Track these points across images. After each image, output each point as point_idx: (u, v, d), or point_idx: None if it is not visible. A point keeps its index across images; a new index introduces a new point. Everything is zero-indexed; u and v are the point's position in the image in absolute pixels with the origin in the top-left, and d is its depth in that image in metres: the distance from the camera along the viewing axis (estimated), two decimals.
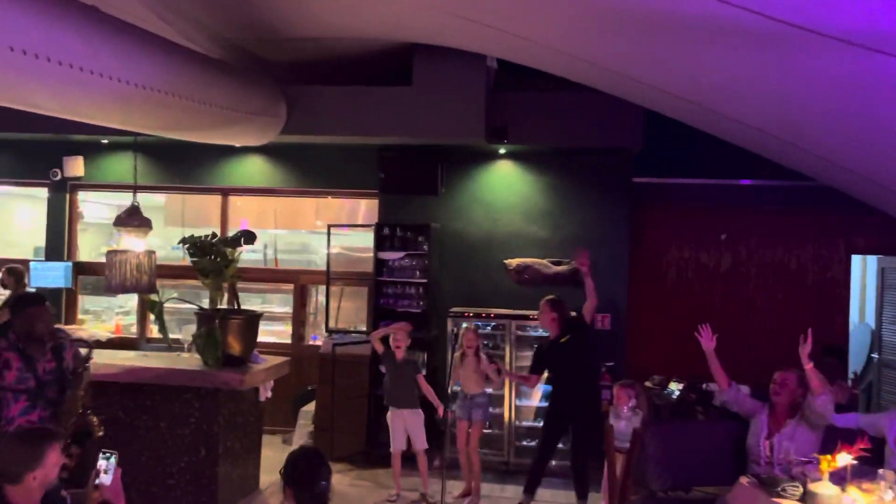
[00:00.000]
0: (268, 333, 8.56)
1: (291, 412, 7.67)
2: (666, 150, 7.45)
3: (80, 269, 8.35)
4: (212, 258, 5.32)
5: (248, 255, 9.18)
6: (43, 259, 8.33)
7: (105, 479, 2.92)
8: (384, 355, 6.27)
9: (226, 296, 5.81)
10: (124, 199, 6.53)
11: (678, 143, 7.34)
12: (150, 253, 5.39)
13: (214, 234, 5.49)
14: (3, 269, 7.53)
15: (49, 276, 8.00)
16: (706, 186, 7.70)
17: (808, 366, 4.28)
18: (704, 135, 6.48)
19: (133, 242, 5.42)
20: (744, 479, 4.08)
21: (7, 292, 7.52)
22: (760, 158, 6.83)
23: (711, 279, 7.76)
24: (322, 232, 7.93)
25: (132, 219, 5.34)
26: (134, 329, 8.52)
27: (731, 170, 7.53)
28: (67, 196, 8.38)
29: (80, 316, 8.57)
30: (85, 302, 9.00)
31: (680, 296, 7.76)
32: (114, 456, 2.95)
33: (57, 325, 4.69)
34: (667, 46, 4.04)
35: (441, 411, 6.00)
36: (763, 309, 7.66)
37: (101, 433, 4.32)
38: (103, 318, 9.25)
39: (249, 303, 9.35)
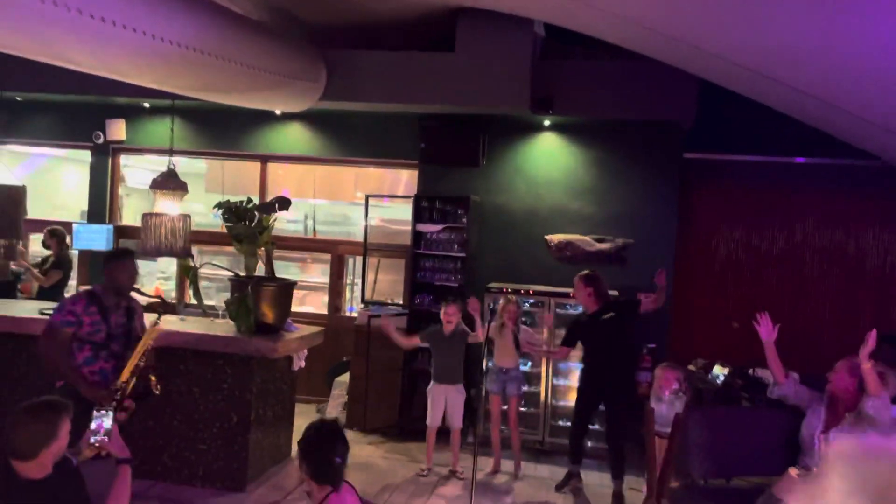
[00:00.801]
0: (305, 304, 8.55)
1: (326, 382, 7.64)
2: (719, 124, 7.12)
3: (122, 232, 8.39)
4: (246, 224, 5.23)
5: (289, 226, 9.19)
6: (85, 222, 8.39)
7: (105, 440, 2.85)
8: (429, 333, 6.10)
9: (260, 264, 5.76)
10: (164, 166, 6.55)
11: (732, 117, 7.01)
12: (186, 217, 5.33)
13: (250, 200, 5.39)
14: (45, 231, 7.65)
15: (91, 238, 8.05)
16: (760, 164, 7.35)
17: (867, 366, 4.02)
18: (760, 109, 6.13)
19: (168, 206, 5.37)
20: (793, 471, 3.85)
21: (49, 253, 7.68)
22: (819, 135, 6.47)
23: (763, 262, 7.43)
24: (361, 203, 7.82)
25: (168, 182, 5.28)
26: (174, 294, 8.56)
27: (787, 147, 7.17)
28: (109, 159, 8.41)
29: None
30: None
31: (728, 278, 7.45)
32: (109, 413, 2.88)
33: None
34: (731, 7, 3.75)
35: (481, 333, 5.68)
36: (817, 294, 7.32)
37: (157, 392, 4.39)
38: (143, 282, 9.33)
39: (288, 273, 9.36)
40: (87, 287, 4.49)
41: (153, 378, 4.36)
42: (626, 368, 5.95)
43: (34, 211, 9.01)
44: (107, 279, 4.35)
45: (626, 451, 5.79)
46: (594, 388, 5.89)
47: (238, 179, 8.65)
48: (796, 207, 7.37)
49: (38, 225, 7.99)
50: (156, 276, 9.17)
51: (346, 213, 9.10)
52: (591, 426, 6.17)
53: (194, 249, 8.81)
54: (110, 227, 8.20)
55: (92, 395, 4.05)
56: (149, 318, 4.47)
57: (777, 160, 7.30)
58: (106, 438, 2.91)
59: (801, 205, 7.36)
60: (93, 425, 2.94)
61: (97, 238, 8.08)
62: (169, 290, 8.77)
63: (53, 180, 9.80)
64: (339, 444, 2.75)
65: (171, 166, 5.47)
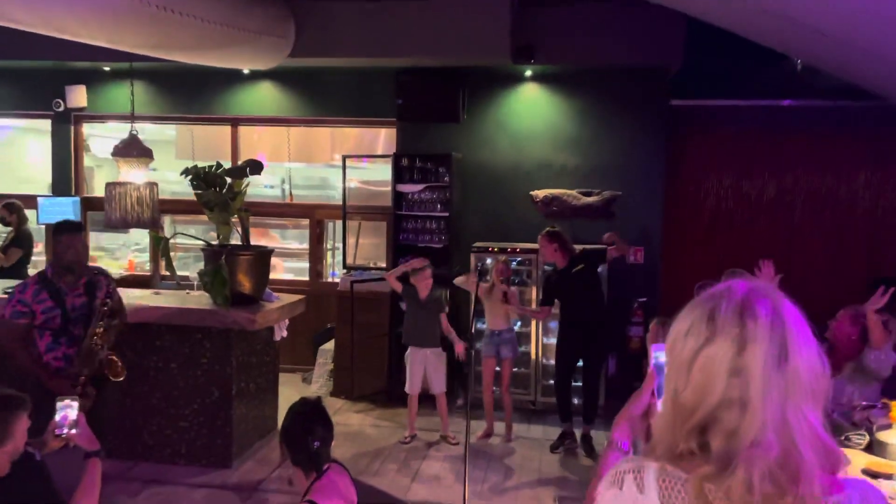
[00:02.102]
0: (287, 271, 8.29)
1: (311, 351, 7.44)
2: (705, 69, 6.86)
3: (90, 204, 8.05)
4: (216, 190, 4.94)
5: (266, 192, 8.88)
6: (50, 195, 8.03)
7: (73, 432, 2.62)
8: (405, 293, 5.94)
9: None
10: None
11: (719, 62, 6.75)
12: (152, 185, 5.03)
13: (219, 165, 5.08)
14: (1, 205, 7.19)
15: (57, 211, 7.68)
16: (749, 109, 7.13)
17: (874, 317, 3.85)
18: (747, 52, 5.87)
19: (134, 174, 5.06)
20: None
21: (9, 230, 7.25)
22: (809, 76, 6.24)
23: (754, 209, 7.26)
24: (339, 165, 7.51)
25: (130, 148, 4.97)
26: (148, 266, 8.27)
27: (775, 90, 6.95)
28: (72, 128, 8.02)
29: (91, 253, 8.31)
30: (100, 239, 8.76)
31: (719, 227, 7.28)
32: (74, 403, 2.64)
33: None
34: None
35: (461, 350, 5.68)
36: (809, 240, 7.18)
37: (122, 377, 4.15)
38: (117, 255, 9.02)
39: (267, 240, 9.08)
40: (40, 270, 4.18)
41: (117, 360, 4.12)
42: (601, 318, 5.89)
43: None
44: (53, 257, 4.05)
45: (600, 396, 5.97)
46: (572, 342, 5.87)
47: (209, 145, 8.30)
48: (786, 152, 7.18)
49: (1, 199, 7.62)
50: (130, 249, 8.85)
51: (324, 176, 8.79)
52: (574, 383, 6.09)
53: (168, 220, 8.51)
54: (77, 199, 7.86)
55: (53, 386, 3.84)
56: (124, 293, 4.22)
57: (766, 104, 7.08)
58: (73, 431, 2.68)
59: (792, 149, 7.17)
60: (57, 417, 2.70)
61: (63, 211, 7.72)
62: (143, 262, 8.47)
63: (18, 153, 9.36)
64: (320, 427, 2.55)
65: (134, 132, 5.14)
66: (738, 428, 1.09)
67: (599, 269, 6.04)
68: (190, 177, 4.95)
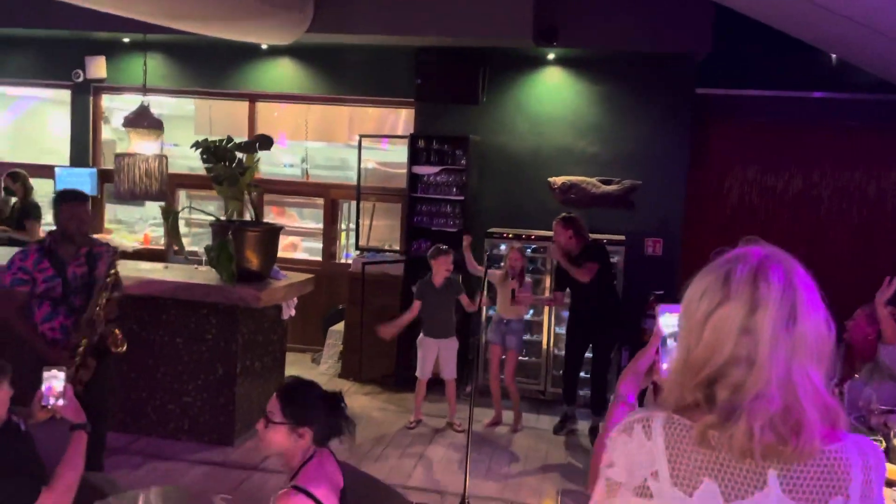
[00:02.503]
0: (303, 250, 8.24)
1: (321, 331, 7.38)
2: (733, 57, 6.66)
3: (107, 176, 8.02)
4: (226, 164, 4.87)
5: (286, 170, 8.81)
6: (68, 165, 8.03)
7: (59, 403, 2.56)
8: (420, 286, 5.79)
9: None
10: (154, 108, 6.12)
11: (747, 50, 6.55)
12: (162, 157, 4.99)
13: (230, 139, 5.01)
14: (5, 175, 7.09)
15: (74, 182, 7.65)
16: (777, 99, 6.90)
17: (884, 311, 3.71)
18: (777, 40, 5.67)
19: (144, 145, 5.01)
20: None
21: (14, 201, 7.13)
22: (840, 68, 6.02)
23: (778, 203, 7.04)
24: (357, 146, 7.41)
25: (141, 119, 4.92)
26: (163, 241, 8.25)
27: (805, 81, 6.72)
28: (91, 99, 8.00)
29: (107, 225, 8.33)
30: (117, 212, 8.76)
31: (741, 220, 7.08)
32: (59, 374, 2.58)
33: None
34: None
35: (474, 304, 5.55)
36: (835, 237, 6.96)
37: (123, 348, 4.09)
38: (135, 228, 9.03)
39: (286, 219, 9.02)
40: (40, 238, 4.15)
41: (118, 332, 4.05)
42: (611, 310, 5.80)
43: (22, 155, 8.70)
44: (56, 226, 3.99)
45: (609, 389, 5.79)
46: (581, 329, 5.81)
47: (227, 121, 8.22)
48: (814, 146, 6.95)
49: (26, 170, 7.60)
50: (147, 223, 8.84)
51: (344, 157, 8.70)
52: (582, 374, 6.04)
53: (184, 194, 8.49)
54: (94, 170, 7.85)
55: (50, 356, 3.78)
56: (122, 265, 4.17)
57: (795, 95, 6.84)
58: (60, 402, 2.62)
59: (820, 143, 6.94)
60: (43, 387, 2.65)
61: (80, 182, 7.71)
62: (159, 236, 8.46)
63: (41, 124, 9.39)
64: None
65: (145, 104, 5.08)
66: (744, 382, 1.16)
67: (614, 260, 5.90)
68: (200, 150, 4.88)
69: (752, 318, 1.17)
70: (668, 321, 1.45)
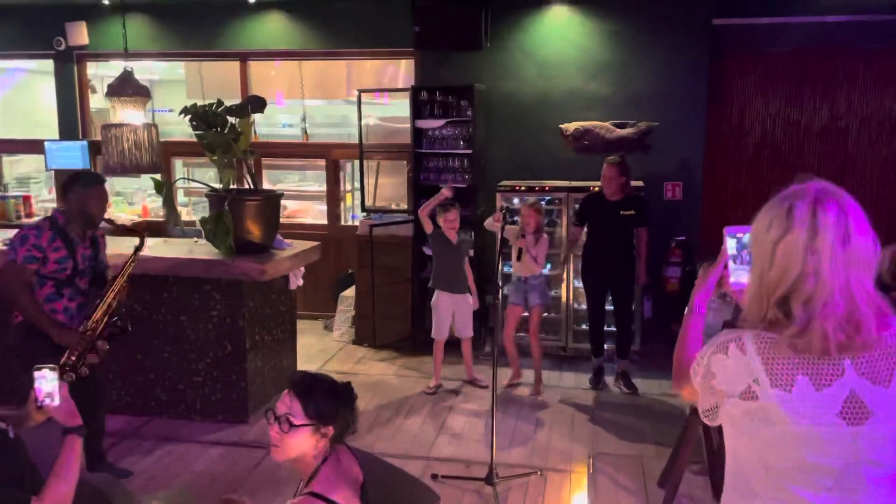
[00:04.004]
0: (305, 214, 7.96)
1: (332, 297, 7.16)
2: None
3: (99, 149, 7.71)
4: (218, 130, 4.55)
5: (284, 131, 8.47)
6: (58, 139, 7.72)
7: (51, 402, 2.33)
8: (433, 236, 5.56)
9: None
10: (144, 73, 5.80)
11: None
12: (151, 126, 4.68)
13: (220, 103, 4.68)
14: None
15: (65, 156, 7.41)
16: (798, 26, 6.46)
17: None
18: None
19: (130, 115, 4.70)
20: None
21: None
22: None
23: (803, 137, 6.67)
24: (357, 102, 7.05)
25: (125, 87, 4.60)
26: (161, 213, 7.98)
27: (827, 4, 6.27)
28: (75, 67, 7.63)
29: None
30: (114, 184, 8.46)
31: (765, 158, 6.73)
32: (51, 373, 2.34)
33: None
34: None
35: (476, 302, 5.69)
36: (864, 170, 6.60)
37: (129, 329, 3.96)
38: (134, 199, 8.76)
39: (287, 182, 8.72)
40: (48, 216, 3.90)
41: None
42: (629, 252, 5.62)
43: (13, 130, 8.38)
44: (72, 207, 3.79)
45: (632, 331, 5.91)
46: (598, 270, 5.62)
47: (218, 83, 7.84)
48: (839, 74, 6.53)
49: (15, 145, 7.32)
50: (146, 194, 8.56)
51: (345, 114, 8.34)
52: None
53: (179, 163, 8.18)
54: (84, 143, 7.54)
55: (62, 339, 3.66)
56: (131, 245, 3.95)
57: (816, 20, 6.39)
58: (52, 402, 2.38)
59: (845, 71, 6.52)
60: (35, 387, 2.41)
61: (72, 156, 7.43)
62: (157, 207, 8.19)
63: (31, 97, 9.04)
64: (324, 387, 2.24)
65: (129, 69, 4.75)
66: (812, 294, 1.41)
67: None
68: (189, 116, 4.56)
69: (814, 242, 1.41)
70: (733, 243, 1.68)
